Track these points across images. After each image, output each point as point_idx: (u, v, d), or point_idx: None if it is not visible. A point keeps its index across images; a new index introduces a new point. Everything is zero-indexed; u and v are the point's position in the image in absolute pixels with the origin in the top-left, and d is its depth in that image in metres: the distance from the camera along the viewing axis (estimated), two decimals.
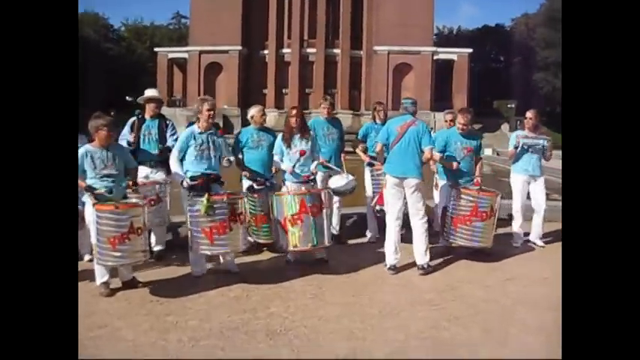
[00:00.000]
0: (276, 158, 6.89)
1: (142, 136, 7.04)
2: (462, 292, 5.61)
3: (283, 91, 50.57)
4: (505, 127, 48.50)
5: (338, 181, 6.78)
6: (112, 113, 6.08)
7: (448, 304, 5.21)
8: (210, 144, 6.22)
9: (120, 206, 5.22)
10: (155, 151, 7.00)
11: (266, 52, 51.22)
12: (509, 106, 52.95)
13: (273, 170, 7.04)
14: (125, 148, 6.22)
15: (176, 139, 7.05)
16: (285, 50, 51.37)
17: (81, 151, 5.38)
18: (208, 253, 5.83)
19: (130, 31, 72.45)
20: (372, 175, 7.56)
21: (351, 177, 6.84)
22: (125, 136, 7.12)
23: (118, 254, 5.13)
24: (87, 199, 5.38)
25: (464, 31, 77.66)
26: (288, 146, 6.70)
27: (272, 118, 48.27)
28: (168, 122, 7.40)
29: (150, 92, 7.46)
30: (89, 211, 5.32)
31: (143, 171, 6.85)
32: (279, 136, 6.85)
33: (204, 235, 5.60)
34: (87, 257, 6.35)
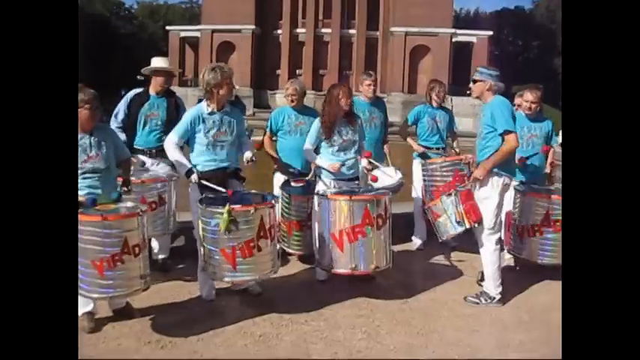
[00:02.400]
0: (308, 145, 5.41)
1: (141, 117, 5.64)
2: (554, 326, 4.31)
3: (297, 72, 48.96)
4: None
5: (385, 178, 5.39)
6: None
7: (544, 349, 3.95)
8: (226, 127, 4.79)
9: (109, 217, 3.80)
10: (159, 136, 5.58)
11: (280, 31, 49.73)
12: None
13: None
14: (113, 130, 4.84)
15: None
16: (300, 30, 49.84)
17: None
18: (229, 281, 4.49)
19: (142, 9, 71.14)
20: (424, 170, 6.14)
21: (399, 173, 5.48)
22: (120, 113, 5.71)
23: (107, 282, 3.77)
24: None
25: (481, 13, 75.88)
26: (329, 137, 5.27)
27: (284, 100, 47.01)
28: (179, 102, 5.92)
29: (158, 62, 5.92)
30: None
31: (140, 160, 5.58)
32: (316, 121, 5.40)
33: (224, 258, 4.25)
34: None
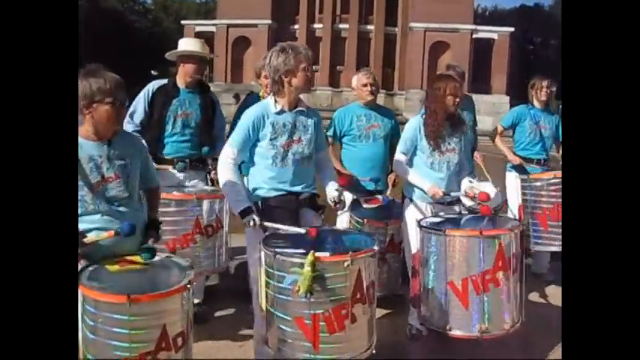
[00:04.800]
0: (399, 155, 4.24)
1: (169, 118, 4.39)
2: None
3: (314, 67, 48.04)
4: None
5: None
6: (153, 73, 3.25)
7: None
8: (301, 133, 3.55)
9: (141, 298, 2.42)
10: (193, 143, 4.45)
11: (296, 26, 48.90)
12: None
13: (390, 180, 4.64)
14: (140, 140, 3.51)
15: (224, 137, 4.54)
16: (317, 25, 49.00)
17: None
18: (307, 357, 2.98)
19: (156, 4, 70.61)
20: (526, 187, 5.09)
21: (496, 190, 4.52)
22: (138, 111, 4.32)
23: None
24: None
25: (500, 10, 74.70)
26: (436, 145, 4.14)
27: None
28: (214, 98, 4.82)
29: (188, 44, 4.59)
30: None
31: (168, 178, 4.25)
32: (411, 121, 4.30)
33: (300, 331, 2.92)
34: None
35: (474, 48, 47.29)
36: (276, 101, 3.56)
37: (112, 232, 2.69)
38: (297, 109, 3.60)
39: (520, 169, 5.54)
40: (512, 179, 5.60)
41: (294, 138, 3.54)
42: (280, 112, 3.54)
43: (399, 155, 4.30)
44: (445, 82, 4.21)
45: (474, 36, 47.35)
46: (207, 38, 50.73)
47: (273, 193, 3.51)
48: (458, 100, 4.16)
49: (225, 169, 3.46)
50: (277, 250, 2.96)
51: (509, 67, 47.68)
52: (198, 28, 50.89)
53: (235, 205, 3.39)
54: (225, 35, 48.35)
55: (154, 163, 3.50)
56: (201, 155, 4.55)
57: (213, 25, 49.81)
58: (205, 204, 4.08)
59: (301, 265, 2.80)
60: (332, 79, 46.91)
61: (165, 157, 4.49)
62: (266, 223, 3.29)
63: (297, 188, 3.55)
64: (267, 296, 3.03)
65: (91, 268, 2.63)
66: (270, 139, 3.49)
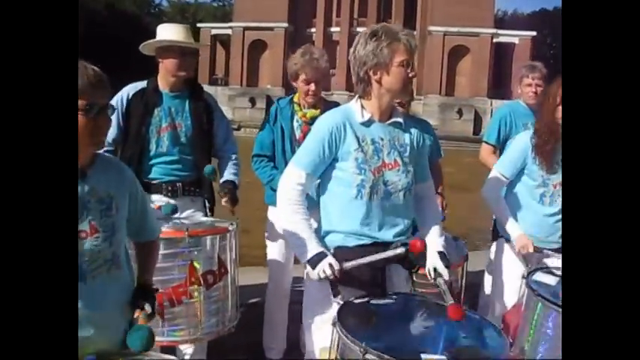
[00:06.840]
0: (497, 180, 3.25)
1: (151, 132, 3.31)
2: None
3: (331, 71, 47.46)
4: None
5: None
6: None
7: None
8: (396, 154, 2.46)
9: None
10: (185, 163, 3.34)
11: (313, 30, 48.52)
12: None
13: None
14: (130, 171, 2.08)
15: (236, 160, 3.54)
16: (334, 29, 48.60)
17: None
18: None
19: (173, 7, 70.62)
20: None
21: None
22: (110, 126, 2.70)
23: None
24: None
25: (519, 14, 73.85)
26: (549, 167, 3.10)
27: None
28: (211, 102, 3.55)
29: (167, 31, 3.38)
30: None
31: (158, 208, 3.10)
32: (524, 138, 3.26)
33: None
34: None
35: (495, 52, 46.47)
36: (363, 107, 2.47)
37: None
38: (392, 119, 2.50)
39: None
40: None
41: (388, 161, 2.43)
42: (368, 123, 2.45)
43: (498, 177, 3.25)
44: (557, 88, 3.09)
45: (495, 40, 46.56)
46: (223, 41, 50.79)
47: (353, 242, 2.44)
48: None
49: (289, 197, 2.43)
50: (367, 346, 1.80)
51: None
52: (214, 31, 50.84)
53: (302, 252, 2.40)
54: (241, 38, 48.06)
55: (156, 222, 2.27)
56: (198, 177, 3.40)
57: (229, 27, 49.58)
58: (202, 243, 2.87)
59: None
60: (349, 84, 46.27)
61: (152, 182, 3.30)
62: (346, 265, 2.31)
63: (387, 235, 2.45)
64: None
65: None
66: (355, 162, 2.39)
